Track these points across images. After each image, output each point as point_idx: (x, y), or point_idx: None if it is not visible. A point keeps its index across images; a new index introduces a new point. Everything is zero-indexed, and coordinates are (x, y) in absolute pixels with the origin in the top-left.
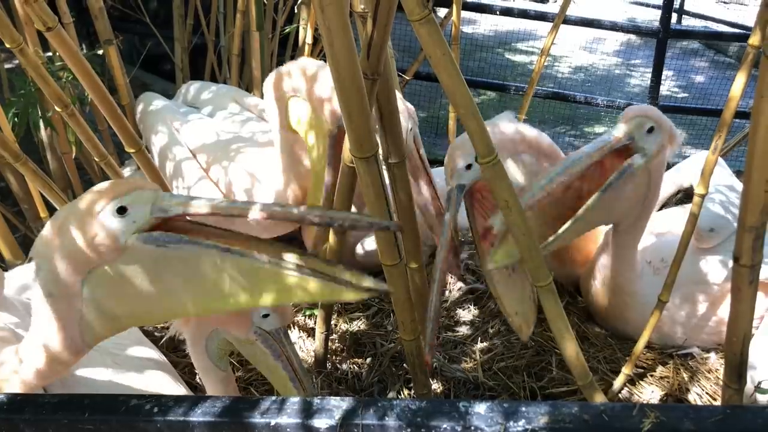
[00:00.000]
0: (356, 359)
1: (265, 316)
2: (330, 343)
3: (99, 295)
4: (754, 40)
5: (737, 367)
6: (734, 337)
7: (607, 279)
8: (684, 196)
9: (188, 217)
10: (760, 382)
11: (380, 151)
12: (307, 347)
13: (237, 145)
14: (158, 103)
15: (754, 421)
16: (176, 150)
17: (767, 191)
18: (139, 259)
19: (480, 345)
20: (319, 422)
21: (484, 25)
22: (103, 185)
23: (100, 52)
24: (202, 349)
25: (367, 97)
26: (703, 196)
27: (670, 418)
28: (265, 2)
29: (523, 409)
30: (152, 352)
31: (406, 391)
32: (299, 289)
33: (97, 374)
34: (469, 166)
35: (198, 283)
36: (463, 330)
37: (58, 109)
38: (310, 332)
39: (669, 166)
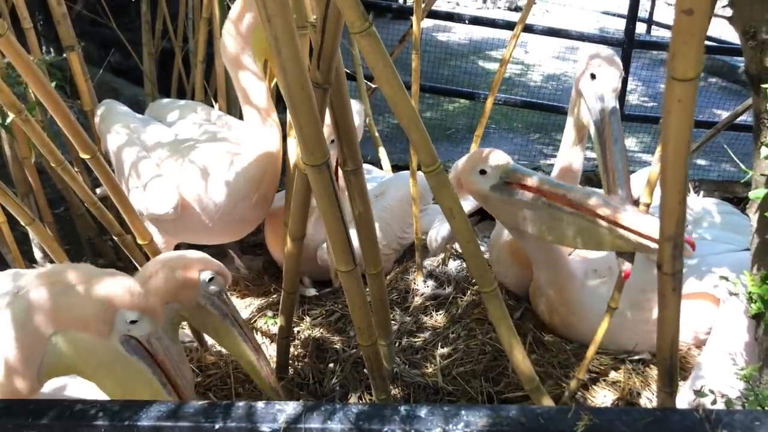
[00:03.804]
0: (318, 365)
1: (210, 280)
2: (292, 349)
3: (61, 349)
4: None
5: (668, 371)
6: (663, 342)
7: (550, 289)
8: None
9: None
10: (701, 387)
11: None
12: (269, 353)
13: (190, 142)
14: (119, 108)
15: (682, 423)
16: (131, 149)
17: (680, 203)
18: (108, 347)
19: (440, 350)
20: (264, 426)
21: (459, 33)
22: (139, 295)
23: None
24: None
25: (319, 106)
26: (648, 206)
27: (603, 420)
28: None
29: (463, 412)
30: None
31: (367, 396)
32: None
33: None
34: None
35: (124, 381)
36: (425, 335)
37: (12, 114)
38: (273, 338)
39: None
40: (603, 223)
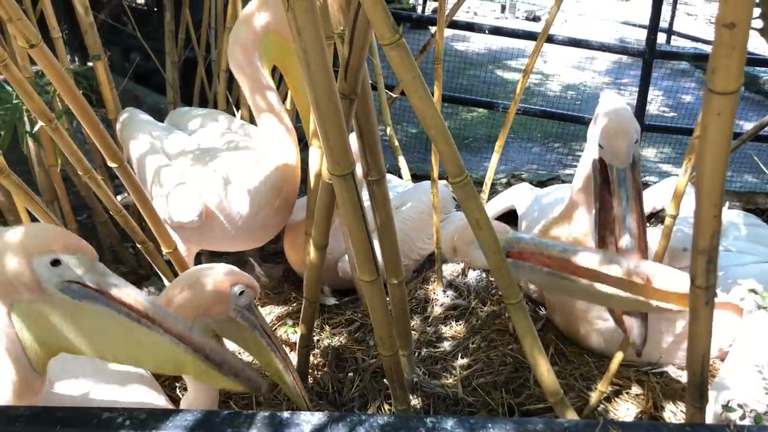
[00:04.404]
0: (338, 374)
1: (241, 293)
2: (312, 358)
3: (26, 324)
4: None
5: (698, 386)
6: (694, 357)
7: (562, 308)
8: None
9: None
10: (728, 402)
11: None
12: None
13: (212, 150)
14: (141, 116)
15: None
16: (154, 157)
17: (716, 216)
18: (57, 304)
19: (460, 361)
20: None
21: (477, 42)
22: (47, 233)
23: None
24: None
25: (346, 117)
26: (674, 217)
27: None
28: None
29: (490, 425)
30: None
31: (386, 406)
32: (180, 366)
33: (77, 385)
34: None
35: (103, 337)
36: (445, 346)
37: (42, 123)
38: (293, 346)
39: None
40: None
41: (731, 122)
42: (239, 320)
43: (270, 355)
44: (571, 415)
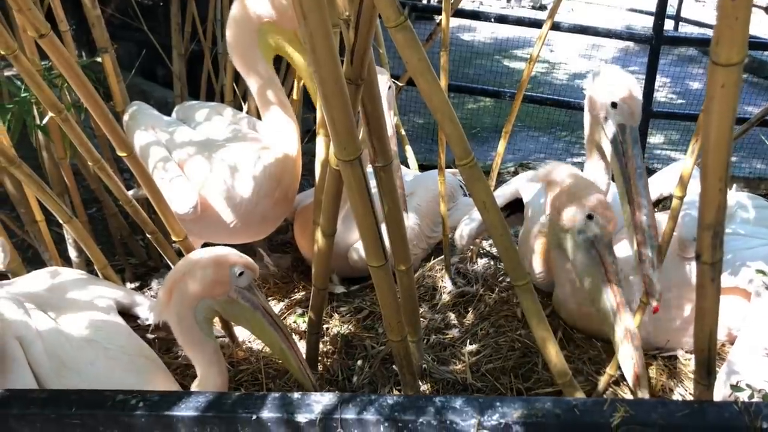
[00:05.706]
0: (347, 361)
1: (240, 274)
2: (321, 345)
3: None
4: None
5: (706, 364)
6: (701, 334)
7: (570, 304)
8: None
9: None
10: (738, 382)
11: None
12: None
13: (214, 142)
14: (147, 110)
15: (720, 415)
16: (156, 149)
17: (721, 190)
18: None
19: (469, 347)
20: (300, 416)
21: (483, 32)
22: None
23: (100, 59)
24: (192, 322)
25: (352, 102)
26: (681, 198)
27: (640, 412)
28: None
29: (498, 403)
30: (146, 351)
31: (396, 392)
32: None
33: (91, 371)
34: None
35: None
36: (453, 332)
37: (52, 114)
38: (302, 335)
39: (650, 173)
40: None
41: (736, 94)
42: (240, 301)
43: (273, 335)
44: (580, 396)
